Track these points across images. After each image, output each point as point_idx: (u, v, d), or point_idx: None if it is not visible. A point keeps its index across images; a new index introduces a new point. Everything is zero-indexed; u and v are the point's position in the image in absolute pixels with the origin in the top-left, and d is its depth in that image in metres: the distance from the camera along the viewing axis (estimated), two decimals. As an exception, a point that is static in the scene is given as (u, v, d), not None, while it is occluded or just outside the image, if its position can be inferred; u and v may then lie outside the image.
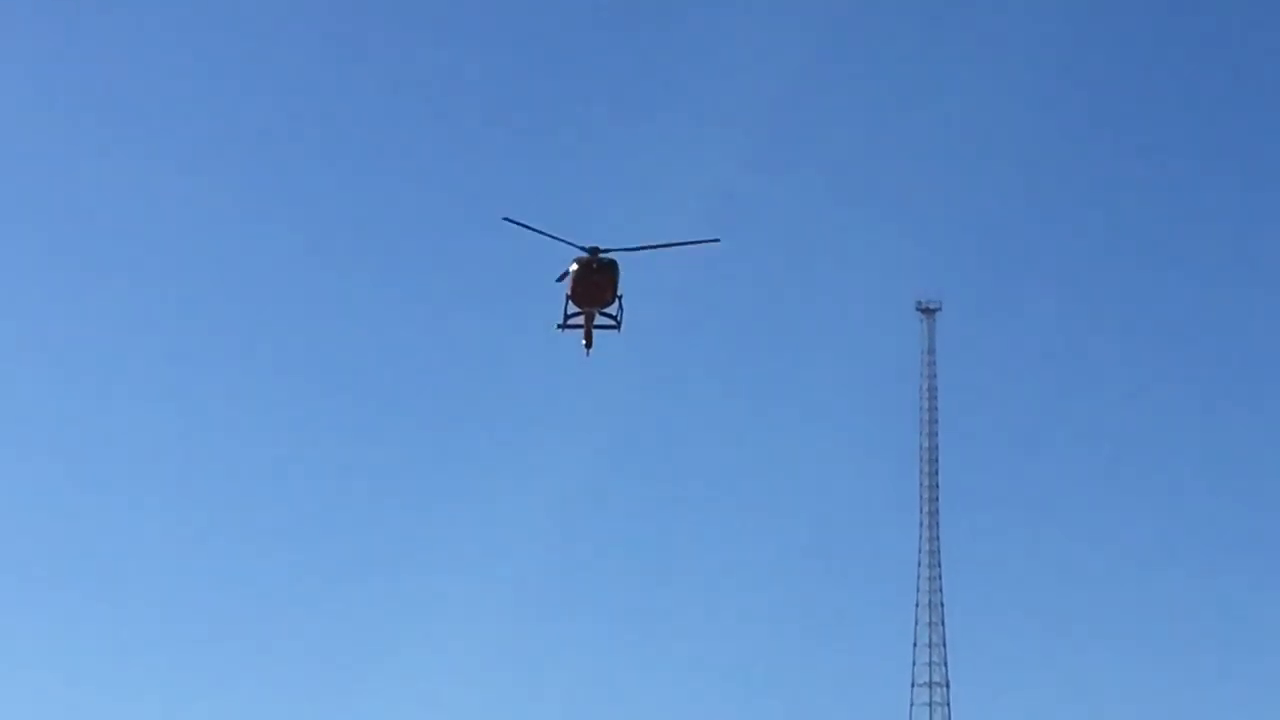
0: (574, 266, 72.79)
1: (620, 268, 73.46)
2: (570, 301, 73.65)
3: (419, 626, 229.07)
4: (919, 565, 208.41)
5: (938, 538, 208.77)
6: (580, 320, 73.92)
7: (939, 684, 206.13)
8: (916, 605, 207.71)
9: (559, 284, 73.70)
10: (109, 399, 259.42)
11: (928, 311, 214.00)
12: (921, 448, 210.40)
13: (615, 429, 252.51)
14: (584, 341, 74.46)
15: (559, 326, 74.14)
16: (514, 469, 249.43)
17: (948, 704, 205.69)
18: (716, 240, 72.23)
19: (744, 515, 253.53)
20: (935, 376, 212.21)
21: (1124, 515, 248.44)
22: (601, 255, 72.91)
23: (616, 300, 73.65)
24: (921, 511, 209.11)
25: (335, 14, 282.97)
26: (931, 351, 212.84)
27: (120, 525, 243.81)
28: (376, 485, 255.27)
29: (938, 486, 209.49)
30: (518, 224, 69.81)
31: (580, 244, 72.27)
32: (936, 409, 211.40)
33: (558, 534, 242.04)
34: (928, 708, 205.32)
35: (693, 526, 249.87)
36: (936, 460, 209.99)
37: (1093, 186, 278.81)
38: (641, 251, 73.80)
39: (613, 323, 74.17)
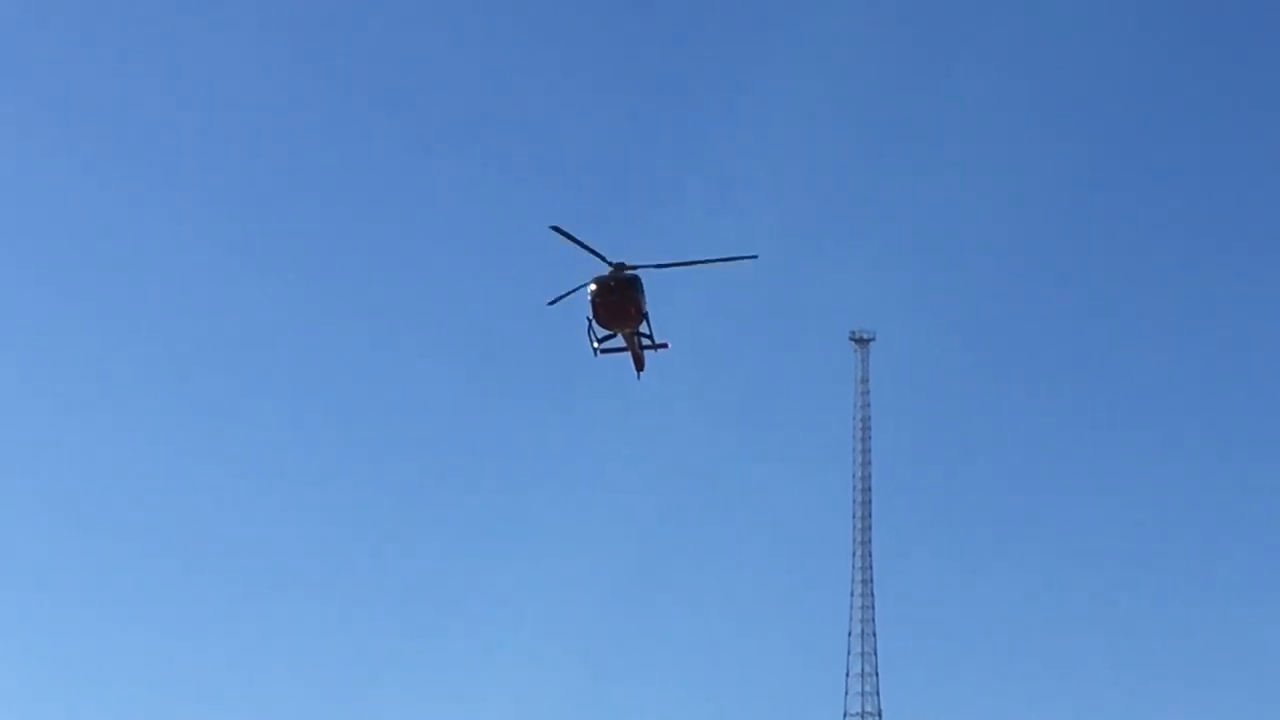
0: (592, 286, 68.69)
1: (643, 283, 68.93)
2: (594, 324, 69.58)
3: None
4: (851, 595, 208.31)
5: (870, 567, 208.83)
6: (619, 343, 70.15)
7: (871, 714, 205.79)
8: (849, 635, 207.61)
9: (552, 306, 69.09)
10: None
11: (861, 342, 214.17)
12: (855, 477, 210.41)
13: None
14: (634, 365, 70.99)
15: (595, 352, 70.28)
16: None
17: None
18: (754, 256, 68.37)
19: (678, 542, 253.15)
20: (869, 406, 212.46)
21: (1057, 545, 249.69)
22: (625, 271, 68.59)
23: (644, 318, 69.50)
24: (854, 541, 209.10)
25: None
26: (865, 381, 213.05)
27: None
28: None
29: (871, 516, 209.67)
30: (564, 234, 66.59)
31: (611, 259, 68.29)
32: (870, 439, 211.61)
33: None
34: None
35: (626, 554, 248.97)
36: (870, 490, 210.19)
37: (1028, 218, 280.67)
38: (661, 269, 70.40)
39: (650, 343, 70.05)
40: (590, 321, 69.58)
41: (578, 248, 67.46)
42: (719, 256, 68.74)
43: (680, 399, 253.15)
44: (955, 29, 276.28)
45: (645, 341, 70.27)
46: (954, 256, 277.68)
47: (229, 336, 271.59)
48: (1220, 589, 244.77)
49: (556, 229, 66.32)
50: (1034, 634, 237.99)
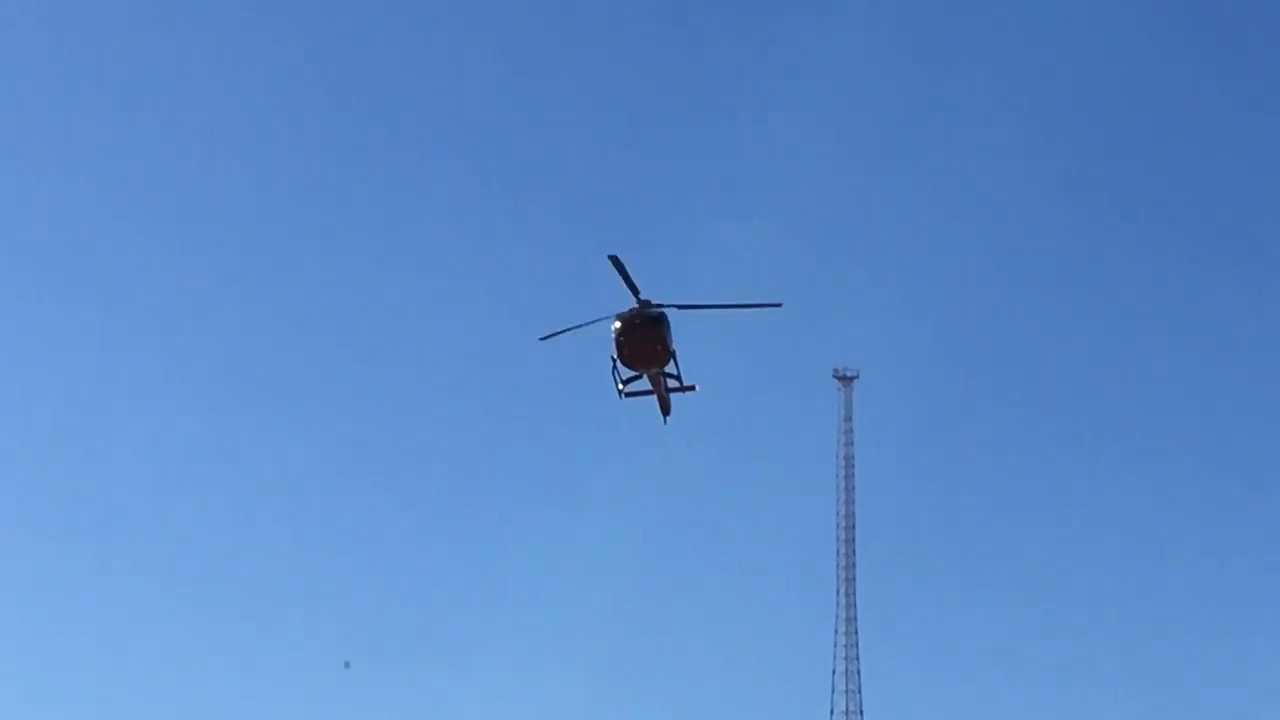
0: (615, 324, 65.86)
1: (670, 321, 66.30)
2: (619, 365, 66.68)
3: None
4: (835, 633, 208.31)
5: (854, 605, 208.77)
6: (645, 386, 67.31)
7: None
8: (833, 673, 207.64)
9: (543, 342, 66.19)
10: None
11: (845, 379, 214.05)
12: (839, 515, 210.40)
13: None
14: (660, 409, 68.07)
15: (620, 395, 67.33)
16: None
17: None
18: (779, 304, 66.37)
19: (662, 576, 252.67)
20: (853, 445, 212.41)
21: (1043, 581, 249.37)
22: (650, 309, 65.85)
23: (671, 358, 66.58)
24: (839, 579, 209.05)
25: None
26: (849, 419, 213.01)
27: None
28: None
29: (855, 554, 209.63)
30: (619, 267, 64.13)
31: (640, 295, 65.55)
32: (854, 476, 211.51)
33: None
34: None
35: (610, 589, 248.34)
36: (854, 528, 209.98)
37: (1012, 255, 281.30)
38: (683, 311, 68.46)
39: (679, 384, 67.17)
40: (615, 362, 66.72)
41: (607, 275, 65.37)
42: (743, 302, 66.78)
43: (669, 434, 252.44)
44: (956, 35, 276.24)
45: (673, 383, 67.56)
46: (942, 290, 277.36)
47: (233, 348, 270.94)
48: (1215, 628, 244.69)
49: (614, 259, 63.98)
50: (1020, 670, 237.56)
